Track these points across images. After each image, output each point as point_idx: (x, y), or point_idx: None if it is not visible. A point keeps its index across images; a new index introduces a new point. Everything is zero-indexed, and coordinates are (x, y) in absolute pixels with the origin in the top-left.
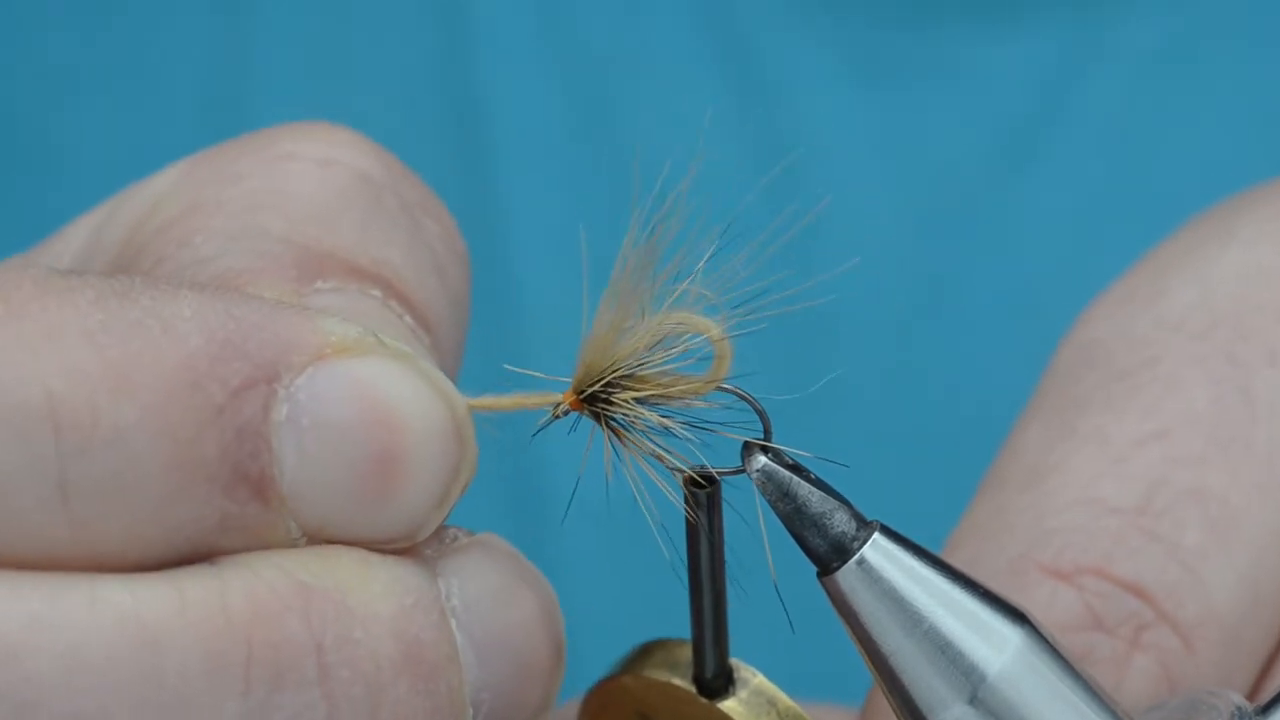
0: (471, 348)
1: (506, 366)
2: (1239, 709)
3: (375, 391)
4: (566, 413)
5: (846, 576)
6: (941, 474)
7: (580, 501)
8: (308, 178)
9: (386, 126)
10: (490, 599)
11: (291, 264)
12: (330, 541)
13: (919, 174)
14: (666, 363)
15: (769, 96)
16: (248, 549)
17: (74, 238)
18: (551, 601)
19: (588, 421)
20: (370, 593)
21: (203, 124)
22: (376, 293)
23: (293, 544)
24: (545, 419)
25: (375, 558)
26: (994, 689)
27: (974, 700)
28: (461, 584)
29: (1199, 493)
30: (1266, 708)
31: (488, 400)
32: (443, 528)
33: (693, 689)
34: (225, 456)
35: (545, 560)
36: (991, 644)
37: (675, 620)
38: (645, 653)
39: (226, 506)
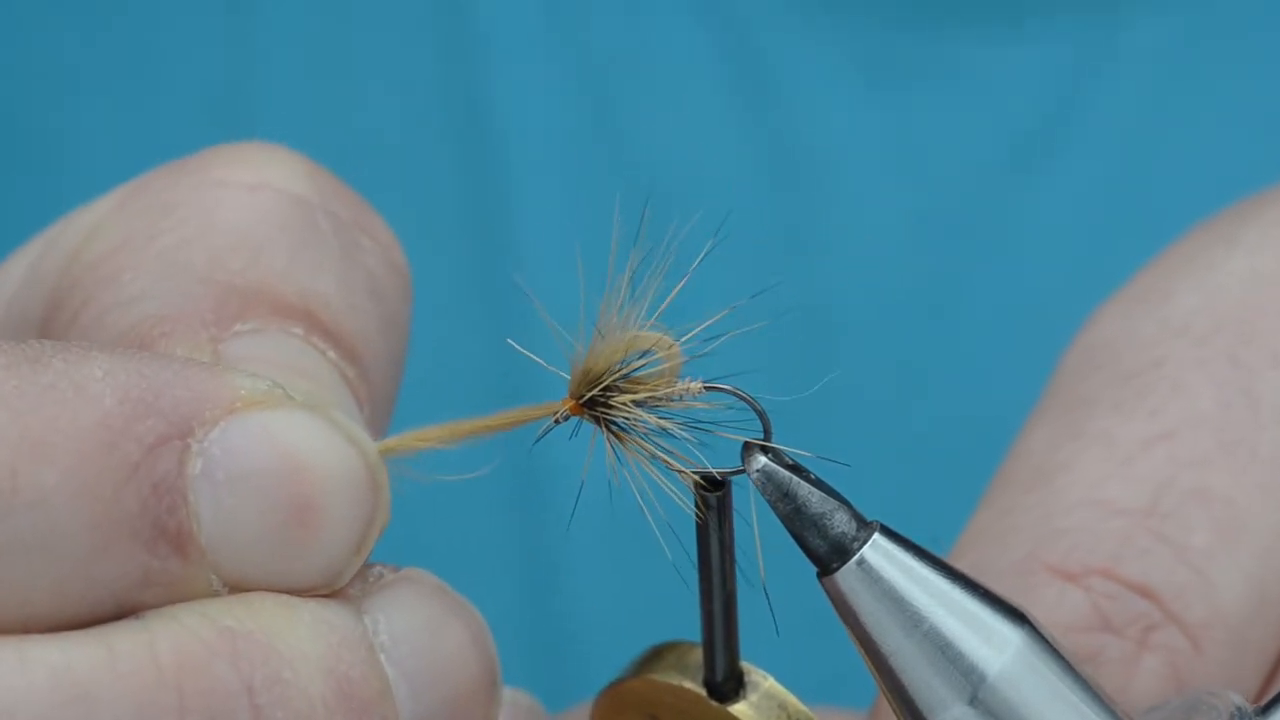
0: (475, 348)
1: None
2: (1239, 709)
3: (286, 443)
4: (566, 418)
5: (846, 577)
6: (942, 475)
7: (584, 505)
8: (237, 206)
9: (390, 125)
10: (419, 632)
11: (211, 308)
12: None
13: (925, 175)
14: (649, 367)
15: (775, 98)
16: (171, 602)
17: (14, 270)
18: (481, 629)
19: (589, 427)
20: (296, 635)
21: (205, 124)
22: (298, 330)
23: (215, 595)
24: (545, 426)
25: (298, 600)
26: (994, 689)
27: (974, 701)
28: (389, 619)
29: (1205, 494)
30: (1266, 708)
31: (471, 425)
32: (367, 566)
33: (703, 692)
34: (144, 513)
35: (550, 565)
36: (992, 644)
37: (681, 623)
38: (656, 655)
39: (148, 562)
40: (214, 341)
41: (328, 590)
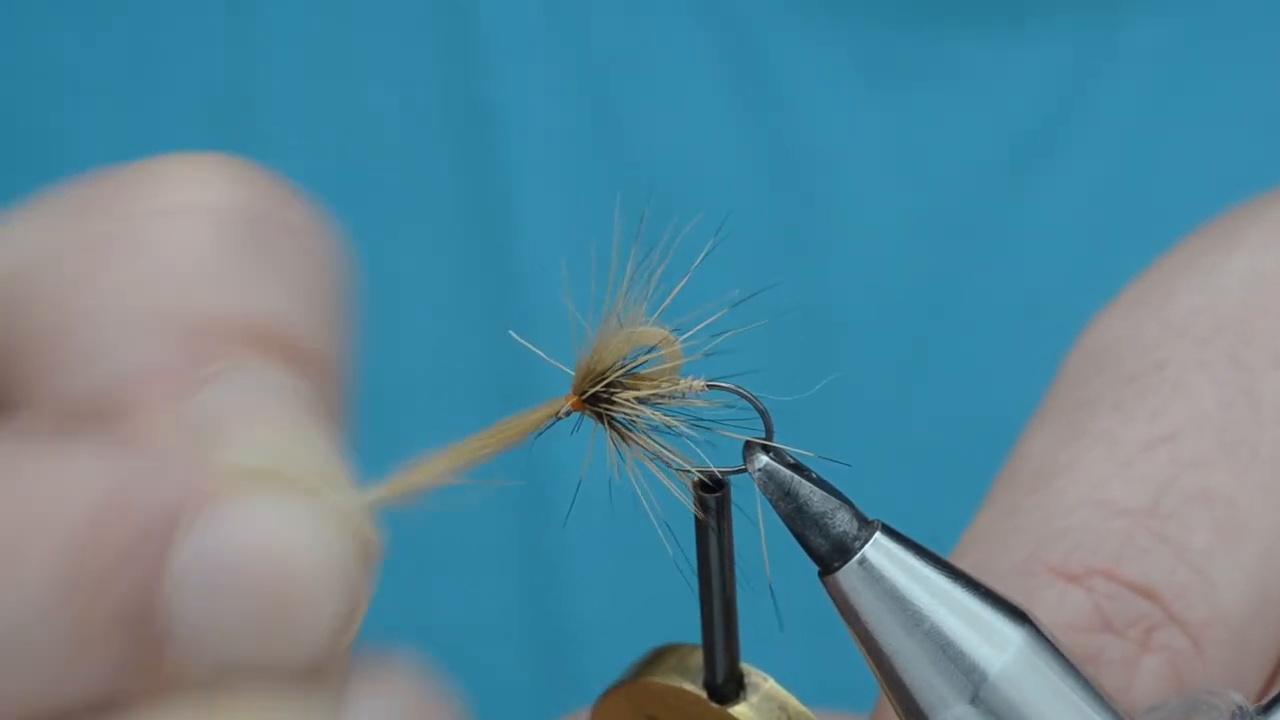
0: (475, 348)
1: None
2: (1239, 709)
3: (267, 539)
4: (568, 414)
5: (848, 576)
6: (942, 475)
7: (585, 504)
8: (178, 229)
9: (390, 125)
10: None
11: (173, 356)
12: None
13: (925, 176)
14: (651, 364)
15: (775, 98)
16: (149, 699)
17: None
18: (461, 717)
19: (589, 424)
20: None
21: (205, 124)
22: (263, 361)
23: (194, 692)
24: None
25: (278, 693)
26: (995, 689)
27: (975, 700)
28: (371, 708)
29: (1206, 494)
30: (1267, 707)
31: (472, 447)
32: (350, 653)
33: (703, 694)
34: (121, 614)
35: (550, 565)
36: (993, 644)
37: (681, 622)
38: (656, 658)
39: (125, 661)
40: (182, 399)
41: (309, 682)
